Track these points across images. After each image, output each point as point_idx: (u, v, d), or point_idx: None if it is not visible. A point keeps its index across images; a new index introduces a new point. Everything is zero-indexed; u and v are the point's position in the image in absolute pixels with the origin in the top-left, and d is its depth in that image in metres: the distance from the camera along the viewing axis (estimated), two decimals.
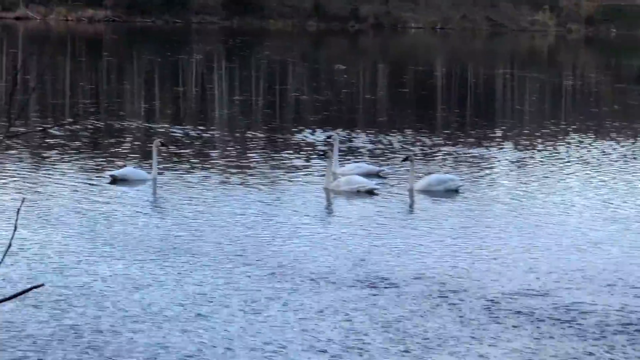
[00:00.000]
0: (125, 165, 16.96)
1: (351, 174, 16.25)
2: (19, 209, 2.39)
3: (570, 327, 8.29)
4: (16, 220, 2.70)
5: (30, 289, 1.97)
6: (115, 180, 15.66)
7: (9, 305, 7.31)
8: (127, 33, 59.37)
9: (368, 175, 16.58)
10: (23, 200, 11.57)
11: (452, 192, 15.77)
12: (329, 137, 18.55)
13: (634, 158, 20.53)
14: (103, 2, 68.96)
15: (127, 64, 43.36)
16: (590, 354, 7.54)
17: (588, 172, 18.66)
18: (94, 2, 68.90)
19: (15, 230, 1.87)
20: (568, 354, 7.52)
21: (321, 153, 17.60)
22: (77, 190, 15.24)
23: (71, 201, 14.11)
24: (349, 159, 18.41)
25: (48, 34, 57.51)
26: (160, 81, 36.46)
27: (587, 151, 21.20)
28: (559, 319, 8.50)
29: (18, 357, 6.83)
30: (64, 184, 15.78)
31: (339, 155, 17.39)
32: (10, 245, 2.05)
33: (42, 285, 2.99)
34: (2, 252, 2.31)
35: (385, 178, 17.10)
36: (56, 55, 42.17)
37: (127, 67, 42.45)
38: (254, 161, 18.86)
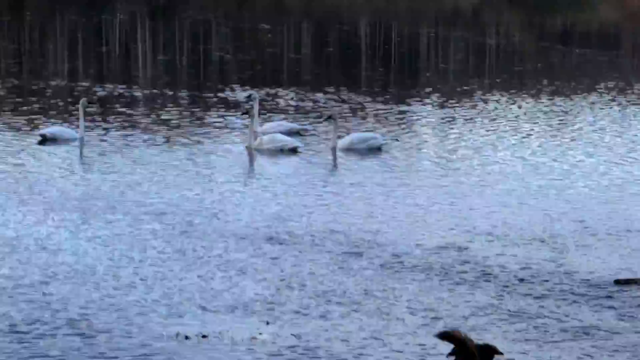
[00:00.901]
0: (53, 124, 17.47)
1: (273, 132, 16.57)
2: None
3: (478, 281, 8.67)
4: None
5: None
6: (44, 139, 16.14)
7: None
8: None
9: (289, 133, 16.99)
10: None
11: (375, 150, 16.33)
12: (249, 96, 18.77)
13: (557, 115, 21.32)
14: None
15: (49, 24, 43.10)
16: (494, 305, 7.92)
17: (512, 129, 19.30)
18: None
19: None
20: (474, 306, 7.85)
21: (243, 112, 17.77)
22: (6, 149, 15.61)
23: None
24: (271, 118, 18.83)
25: None
26: (84, 41, 36.40)
27: (511, 109, 21.93)
28: (469, 273, 8.89)
29: None
30: None
31: (261, 114, 17.83)
32: None
33: None
34: None
35: (306, 136, 17.66)
36: None
37: (50, 27, 42.02)
38: (178, 120, 19.70)
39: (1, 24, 41.68)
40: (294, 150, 16.03)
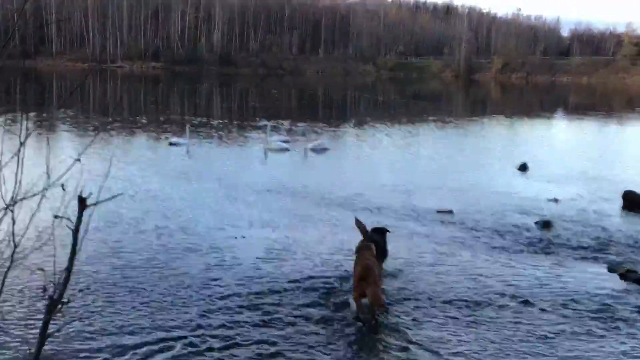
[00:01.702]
0: (175, 137, 23.79)
1: (276, 142, 22.91)
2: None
3: (371, 209, 11.54)
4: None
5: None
6: (171, 144, 22.67)
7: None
8: (172, 73, 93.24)
9: (284, 142, 23.71)
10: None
11: (323, 150, 22.68)
12: (265, 125, 25.48)
13: (410, 134, 29.22)
14: (160, 59, 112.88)
15: (171, 88, 64.70)
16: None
17: (388, 140, 27.22)
18: (155, 59, 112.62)
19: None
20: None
21: (263, 131, 24.81)
22: (155, 149, 23.31)
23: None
24: (275, 135, 25.13)
25: (131, 76, 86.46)
26: (188, 96, 54.86)
27: (385, 132, 29.67)
28: (362, 204, 13.19)
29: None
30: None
31: (270, 133, 23.84)
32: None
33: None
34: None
35: (290, 144, 24.85)
36: (136, 84, 67.98)
37: (170, 89, 63.28)
38: (233, 134, 28.73)
39: (147, 89, 62.75)
40: (285, 150, 22.37)
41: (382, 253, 9.14)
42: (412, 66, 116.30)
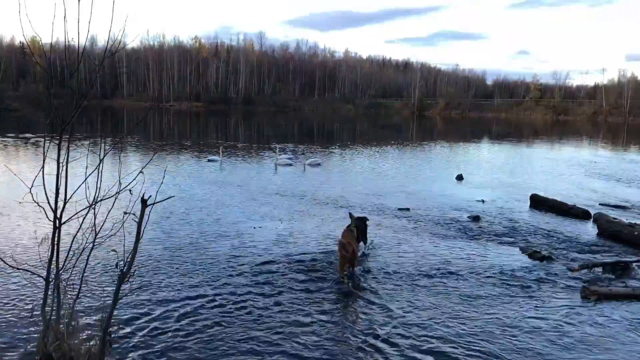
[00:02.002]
0: (211, 155, 23.75)
1: (283, 159, 22.52)
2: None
3: (350, 207, 11.65)
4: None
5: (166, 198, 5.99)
6: (209, 161, 22.25)
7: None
8: (209, 111, 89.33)
9: (289, 159, 23.23)
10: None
11: (317, 165, 22.16)
12: (275, 147, 24.80)
13: (378, 153, 26.46)
14: (200, 99, 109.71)
15: (208, 122, 60.00)
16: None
17: (365, 156, 25.04)
18: (197, 100, 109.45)
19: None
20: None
21: (273, 150, 24.57)
22: (195, 165, 21.69)
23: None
24: (282, 154, 24.37)
25: (180, 112, 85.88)
26: (220, 126, 54.14)
27: (364, 151, 27.32)
28: (341, 207, 11.26)
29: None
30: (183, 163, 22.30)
31: (279, 152, 23.59)
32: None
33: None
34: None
35: (294, 160, 24.27)
36: (183, 118, 64.75)
37: (207, 122, 59.72)
38: (253, 154, 23.21)
39: (191, 121, 59.64)
40: (290, 165, 21.98)
41: (363, 234, 9.49)
42: (381, 105, 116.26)
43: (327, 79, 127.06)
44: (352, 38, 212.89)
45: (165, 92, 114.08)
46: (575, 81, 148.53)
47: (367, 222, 9.80)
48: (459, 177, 19.58)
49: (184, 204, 13.31)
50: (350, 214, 9.87)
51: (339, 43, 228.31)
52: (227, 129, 50.34)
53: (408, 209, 13.52)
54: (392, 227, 11.64)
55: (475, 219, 12.60)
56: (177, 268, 8.25)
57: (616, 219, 12.24)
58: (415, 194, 15.92)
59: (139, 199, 4.33)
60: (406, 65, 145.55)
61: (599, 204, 15.03)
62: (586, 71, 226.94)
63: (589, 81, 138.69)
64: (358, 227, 9.20)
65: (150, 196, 4.35)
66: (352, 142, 36.93)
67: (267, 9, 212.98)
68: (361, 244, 9.38)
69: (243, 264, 8.53)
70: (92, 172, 4.81)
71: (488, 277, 8.34)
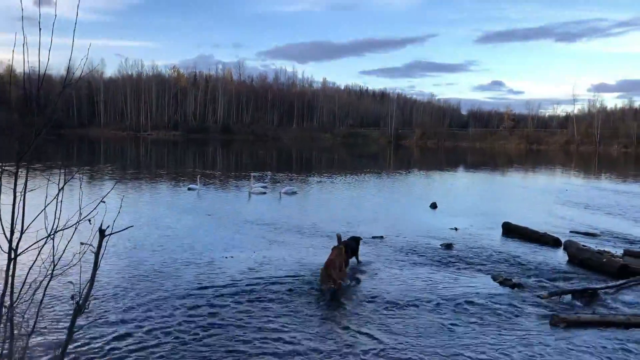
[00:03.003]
0: (190, 184, 23.36)
1: (257, 187, 22.27)
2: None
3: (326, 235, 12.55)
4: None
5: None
6: (189, 189, 22.04)
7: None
8: (187, 139, 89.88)
9: (264, 187, 22.91)
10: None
11: (293, 193, 22.00)
12: (250, 176, 24.63)
13: (357, 180, 26.92)
14: (178, 128, 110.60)
15: (186, 151, 59.51)
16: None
17: (343, 186, 24.15)
18: (175, 129, 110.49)
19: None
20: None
21: (249, 178, 24.21)
22: (175, 193, 21.87)
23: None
24: (257, 182, 24.46)
25: (157, 141, 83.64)
26: (199, 155, 55.21)
27: (341, 180, 27.20)
28: (321, 234, 11.73)
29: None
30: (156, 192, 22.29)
31: (255, 179, 23.86)
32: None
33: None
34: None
35: (269, 189, 23.86)
36: (161, 147, 66.59)
37: (185, 151, 59.61)
38: (230, 181, 21.82)
39: (169, 150, 60.67)
40: (264, 193, 21.72)
41: (354, 252, 10.50)
42: (358, 135, 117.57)
43: (305, 109, 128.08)
44: (329, 68, 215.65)
45: (143, 121, 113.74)
46: (547, 111, 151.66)
47: (360, 241, 10.83)
48: (433, 206, 19.68)
49: (155, 232, 13.11)
50: (338, 234, 10.27)
51: (317, 73, 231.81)
52: (205, 157, 50.18)
53: (382, 237, 13.50)
54: (366, 255, 11.56)
55: (448, 246, 12.63)
56: (141, 300, 8.03)
57: (586, 246, 12.38)
58: (389, 222, 15.91)
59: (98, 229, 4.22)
60: (383, 96, 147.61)
61: (570, 232, 15.20)
62: (557, 101, 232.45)
63: (561, 111, 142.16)
64: (348, 245, 9.99)
65: (108, 226, 4.23)
66: (329, 171, 36.99)
67: (246, 39, 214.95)
68: (353, 258, 10.38)
69: (210, 293, 8.37)
70: (51, 201, 4.69)
71: (459, 305, 8.31)
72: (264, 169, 35.03)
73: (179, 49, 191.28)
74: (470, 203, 21.56)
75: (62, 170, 5.30)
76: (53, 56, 4.33)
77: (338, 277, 8.56)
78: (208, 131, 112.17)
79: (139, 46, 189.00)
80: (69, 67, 4.32)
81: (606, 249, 12.57)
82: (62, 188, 4.73)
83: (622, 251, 12.20)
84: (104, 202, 4.70)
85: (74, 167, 28.20)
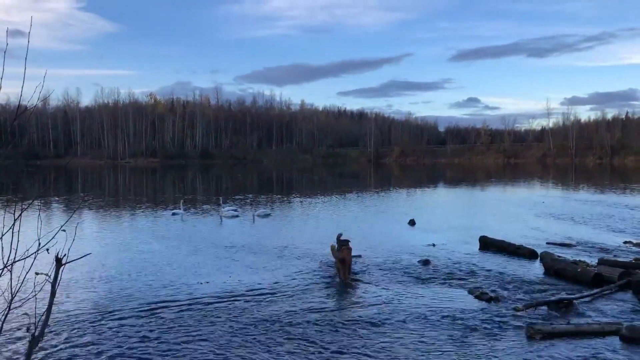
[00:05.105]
0: (175, 208, 23.23)
1: (228, 210, 22.08)
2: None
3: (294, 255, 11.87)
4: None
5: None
6: (173, 214, 22.02)
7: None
8: (165, 166, 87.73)
9: (235, 211, 22.62)
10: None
11: (267, 216, 21.84)
12: (220, 200, 23.94)
13: (337, 200, 26.39)
14: (157, 155, 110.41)
15: (164, 177, 58.48)
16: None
17: (322, 206, 23.28)
18: (153, 156, 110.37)
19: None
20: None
21: (218, 204, 23.69)
22: (159, 218, 21.66)
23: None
24: (228, 205, 24.73)
25: (136, 168, 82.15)
26: (183, 181, 53.58)
27: (320, 200, 26.88)
28: (296, 254, 11.79)
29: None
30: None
31: (225, 204, 23.72)
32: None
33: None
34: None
35: (240, 213, 23.22)
36: (139, 174, 64.53)
37: (164, 178, 56.72)
38: (206, 205, 19.05)
39: (148, 177, 57.45)
40: (236, 216, 21.48)
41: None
42: (337, 154, 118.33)
43: (284, 131, 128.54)
44: (307, 90, 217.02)
45: (121, 149, 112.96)
46: (523, 126, 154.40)
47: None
48: (412, 222, 19.72)
49: (129, 259, 12.95)
50: (338, 235, 11.94)
51: (295, 95, 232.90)
52: (184, 184, 49.62)
53: (360, 256, 13.42)
54: None
55: (425, 262, 12.63)
56: (108, 330, 7.87)
57: (561, 257, 12.48)
58: (367, 240, 15.87)
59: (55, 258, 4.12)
60: (361, 116, 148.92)
61: (547, 243, 15.33)
62: (532, 115, 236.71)
63: (536, 125, 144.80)
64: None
65: (65, 255, 4.14)
66: (309, 191, 37.00)
67: (223, 64, 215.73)
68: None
69: (185, 320, 8.21)
70: (7, 232, 4.58)
71: (435, 320, 8.30)
72: (245, 191, 34.99)
73: (156, 76, 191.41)
74: (448, 218, 21.66)
75: (19, 199, 5.22)
76: (29, 87, 4.27)
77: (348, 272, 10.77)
78: (187, 156, 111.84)
79: (116, 74, 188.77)
80: (20, 98, 4.25)
81: (582, 259, 12.69)
82: (20, 216, 4.63)
83: (597, 260, 12.31)
84: (64, 230, 4.61)
85: (49, 197, 27.62)
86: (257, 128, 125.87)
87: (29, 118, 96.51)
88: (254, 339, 7.50)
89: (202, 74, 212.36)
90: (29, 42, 3.60)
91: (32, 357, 4.25)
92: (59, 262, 4.21)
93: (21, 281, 4.78)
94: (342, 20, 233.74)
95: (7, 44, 3.66)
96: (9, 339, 7.25)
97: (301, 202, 29.07)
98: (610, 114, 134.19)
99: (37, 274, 4.14)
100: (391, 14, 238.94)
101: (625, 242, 15.41)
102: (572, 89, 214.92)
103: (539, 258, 13.02)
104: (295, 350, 7.08)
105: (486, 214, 23.25)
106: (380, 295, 9.80)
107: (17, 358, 6.63)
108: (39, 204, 24.76)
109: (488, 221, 20.58)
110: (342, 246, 11.13)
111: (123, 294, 9.80)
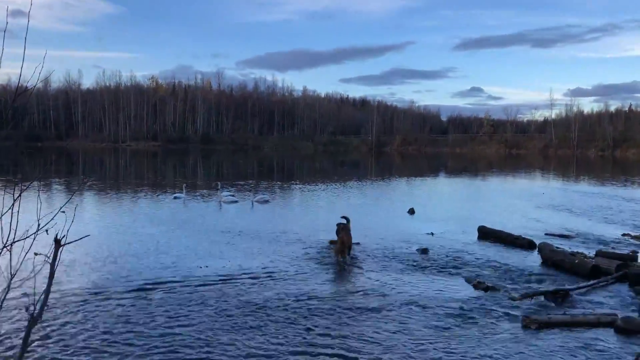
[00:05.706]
0: (176, 192, 23.38)
1: (227, 196, 21.96)
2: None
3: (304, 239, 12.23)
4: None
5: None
6: (175, 198, 22.14)
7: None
8: (166, 150, 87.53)
9: (233, 196, 22.55)
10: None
11: (266, 201, 21.83)
12: (217, 184, 24.29)
13: (338, 188, 25.87)
14: (158, 139, 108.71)
15: (165, 161, 58.10)
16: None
17: (323, 194, 22.73)
18: (155, 139, 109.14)
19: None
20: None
21: (216, 188, 24.19)
22: (162, 201, 21.69)
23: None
24: (226, 191, 24.12)
25: (137, 151, 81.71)
26: (185, 165, 54.30)
27: (321, 187, 27.17)
28: (291, 238, 11.71)
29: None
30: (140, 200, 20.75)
31: (223, 189, 23.59)
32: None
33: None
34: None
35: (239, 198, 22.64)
36: (140, 158, 64.00)
37: (165, 162, 56.58)
38: (203, 189, 23.01)
39: (149, 161, 51.83)
40: (234, 202, 21.48)
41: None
42: (339, 142, 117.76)
43: (286, 117, 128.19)
44: (310, 77, 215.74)
45: (122, 132, 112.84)
46: (526, 116, 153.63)
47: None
48: (411, 211, 19.76)
49: (129, 242, 12.99)
50: (344, 217, 12.83)
51: (297, 81, 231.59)
52: (186, 168, 49.57)
53: (358, 243, 13.47)
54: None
55: (424, 251, 12.68)
56: (105, 310, 7.95)
57: (559, 248, 12.54)
58: (367, 228, 15.88)
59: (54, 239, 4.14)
60: (363, 103, 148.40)
61: (545, 234, 15.37)
62: (535, 106, 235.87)
63: (539, 116, 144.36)
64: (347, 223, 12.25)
65: (64, 236, 4.16)
66: (310, 179, 37.00)
67: (225, 49, 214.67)
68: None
69: (184, 303, 8.28)
70: (6, 212, 4.61)
71: (432, 309, 8.35)
72: (245, 177, 35.03)
73: (157, 59, 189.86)
74: (448, 208, 21.71)
75: (19, 181, 5.24)
76: (29, 68, 4.27)
77: (347, 249, 11.47)
78: (188, 141, 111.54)
79: (117, 57, 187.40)
80: (20, 77, 4.24)
81: (580, 251, 12.74)
82: (19, 197, 4.65)
83: (594, 252, 12.36)
84: (63, 212, 4.64)
85: (49, 179, 27.64)
86: (258, 114, 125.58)
87: (30, 98, 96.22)
88: (245, 323, 7.55)
89: (204, 58, 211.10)
90: (28, 21, 3.59)
91: (31, 336, 4.29)
92: (58, 243, 4.23)
93: (20, 261, 4.83)
94: (344, 6, 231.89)
95: (7, 22, 3.64)
96: (8, 318, 7.33)
97: (301, 189, 29.10)
98: (613, 106, 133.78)
99: (36, 254, 4.16)
100: (394, 1, 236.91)
101: (623, 235, 15.45)
102: (576, 80, 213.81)
103: (537, 249, 13.07)
104: (288, 334, 7.15)
105: (486, 204, 23.28)
106: (377, 282, 9.86)
107: (16, 337, 6.70)
108: (39, 185, 24.79)
109: (487, 211, 20.61)
110: (340, 228, 11.81)
111: (121, 275, 9.88)
